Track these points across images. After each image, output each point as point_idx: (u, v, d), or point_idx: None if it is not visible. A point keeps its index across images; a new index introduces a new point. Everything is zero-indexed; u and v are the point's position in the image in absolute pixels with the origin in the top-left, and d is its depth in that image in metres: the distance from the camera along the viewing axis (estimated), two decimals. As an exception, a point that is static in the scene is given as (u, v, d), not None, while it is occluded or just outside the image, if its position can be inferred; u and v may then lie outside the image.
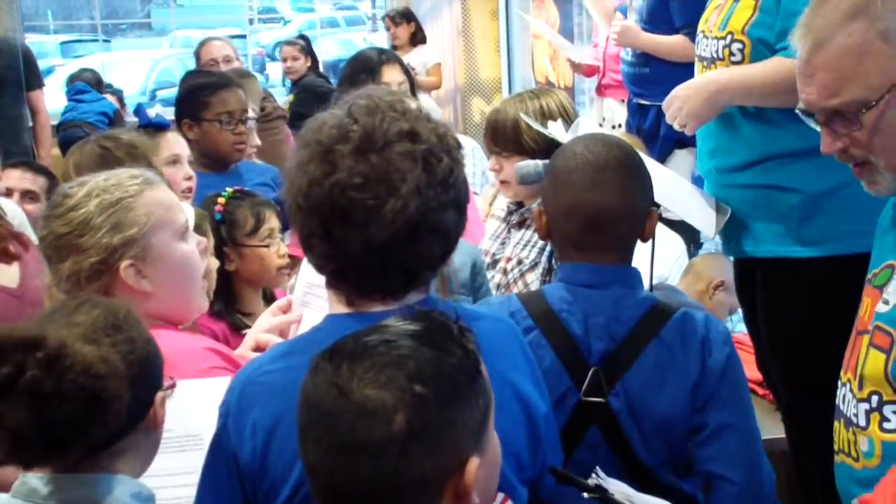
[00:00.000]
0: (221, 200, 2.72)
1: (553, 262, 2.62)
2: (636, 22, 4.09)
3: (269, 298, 2.79)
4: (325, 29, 19.15)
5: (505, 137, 2.71)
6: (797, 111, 1.67)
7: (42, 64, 8.11)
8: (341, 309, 1.53)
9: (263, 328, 1.99)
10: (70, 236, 1.83)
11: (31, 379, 1.31)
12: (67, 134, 6.53)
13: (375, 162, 1.43)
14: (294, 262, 2.71)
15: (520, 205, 2.88)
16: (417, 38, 7.53)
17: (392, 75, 3.48)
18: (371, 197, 1.42)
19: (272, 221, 2.74)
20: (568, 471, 1.56)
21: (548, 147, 2.42)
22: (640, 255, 2.18)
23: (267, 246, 2.72)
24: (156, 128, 3.06)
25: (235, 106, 3.51)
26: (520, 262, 2.76)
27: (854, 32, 1.54)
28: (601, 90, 4.70)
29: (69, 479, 1.40)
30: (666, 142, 3.96)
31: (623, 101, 4.46)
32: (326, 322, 1.54)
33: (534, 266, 2.68)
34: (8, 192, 3.53)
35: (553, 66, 6.47)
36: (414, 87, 3.69)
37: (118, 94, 7.99)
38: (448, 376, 1.21)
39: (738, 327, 3.86)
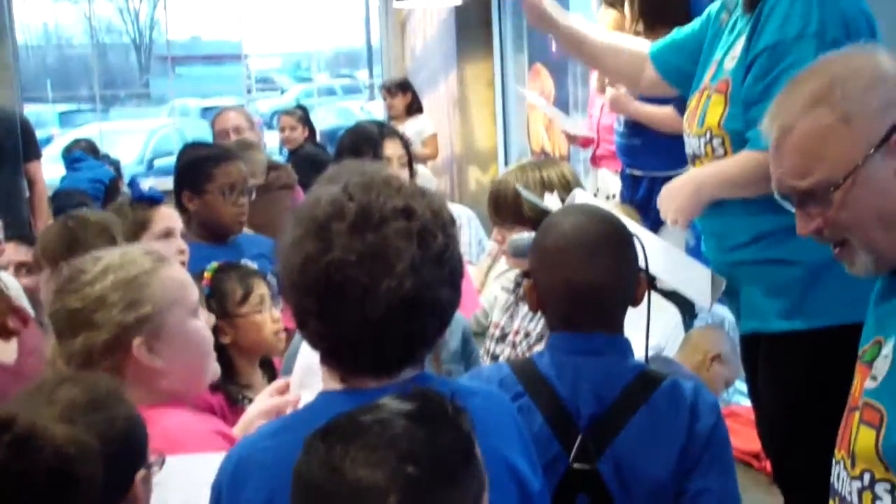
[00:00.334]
0: (208, 275, 2.72)
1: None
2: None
3: (267, 366, 2.79)
4: (322, 97, 19.31)
5: (506, 208, 2.73)
6: (775, 196, 1.71)
7: (40, 133, 8.18)
8: (335, 386, 1.52)
9: (261, 411, 1.99)
10: (84, 312, 1.82)
11: None
12: (62, 203, 6.56)
13: (371, 240, 1.44)
14: (288, 333, 2.72)
15: (527, 275, 2.88)
16: (414, 108, 7.60)
17: (392, 149, 3.52)
18: (366, 275, 1.43)
19: (261, 288, 2.74)
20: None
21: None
22: (636, 326, 2.18)
23: (259, 312, 2.72)
24: (150, 201, 3.08)
25: (237, 177, 3.52)
26: (527, 335, 2.76)
27: (817, 117, 1.60)
28: (596, 161, 4.73)
29: None
30: (659, 213, 3.97)
31: (617, 171, 4.49)
32: (320, 399, 1.54)
33: (540, 339, 2.68)
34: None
35: (549, 135, 6.52)
36: (412, 160, 3.73)
37: (115, 164, 8.05)
38: (441, 457, 1.20)
39: (734, 398, 3.86)
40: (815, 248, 1.97)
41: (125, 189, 7.43)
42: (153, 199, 3.08)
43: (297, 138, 7.12)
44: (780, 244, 2.30)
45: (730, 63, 2.36)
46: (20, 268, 3.64)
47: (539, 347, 2.68)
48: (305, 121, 7.27)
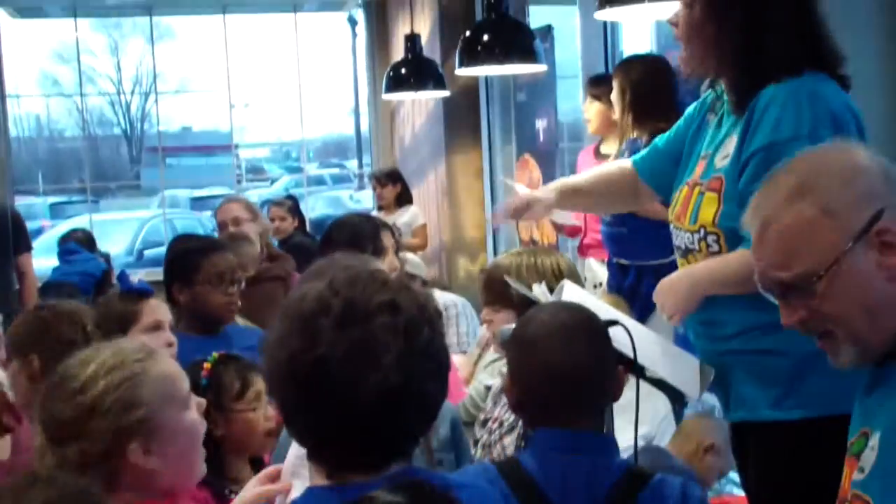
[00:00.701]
0: (207, 365, 2.72)
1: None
2: None
3: (256, 462, 2.77)
4: (311, 186, 19.43)
5: (496, 291, 2.76)
6: (759, 289, 1.72)
7: (30, 225, 8.20)
8: (322, 481, 1.51)
9: (251, 497, 1.97)
10: (76, 421, 1.79)
11: None
12: (50, 296, 6.55)
13: (357, 335, 1.44)
14: (279, 427, 2.70)
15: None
16: (404, 198, 7.64)
17: (387, 240, 3.55)
18: (353, 370, 1.43)
19: (258, 384, 2.74)
20: None
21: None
22: (625, 415, 2.19)
23: (254, 409, 2.71)
24: (138, 294, 3.08)
25: (225, 267, 3.54)
26: (501, 424, 2.76)
27: (798, 211, 1.63)
28: (583, 250, 4.76)
29: None
30: (646, 301, 3.99)
31: (604, 260, 4.52)
32: (306, 495, 1.52)
33: (511, 429, 2.69)
34: None
35: (537, 224, 6.56)
36: (399, 248, 3.76)
37: (105, 257, 8.06)
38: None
39: (726, 488, 3.83)
40: (804, 339, 1.99)
41: (116, 281, 7.46)
42: (141, 292, 3.09)
43: (287, 228, 7.15)
44: (769, 336, 2.31)
45: (721, 161, 2.39)
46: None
47: (508, 438, 2.69)
48: (295, 211, 7.32)
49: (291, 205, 7.38)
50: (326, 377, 1.43)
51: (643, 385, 2.15)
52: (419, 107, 8.84)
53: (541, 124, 6.60)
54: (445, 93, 6.85)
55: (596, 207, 3.07)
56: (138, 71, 24.17)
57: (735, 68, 2.35)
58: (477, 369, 4.21)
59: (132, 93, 26.32)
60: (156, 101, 14.34)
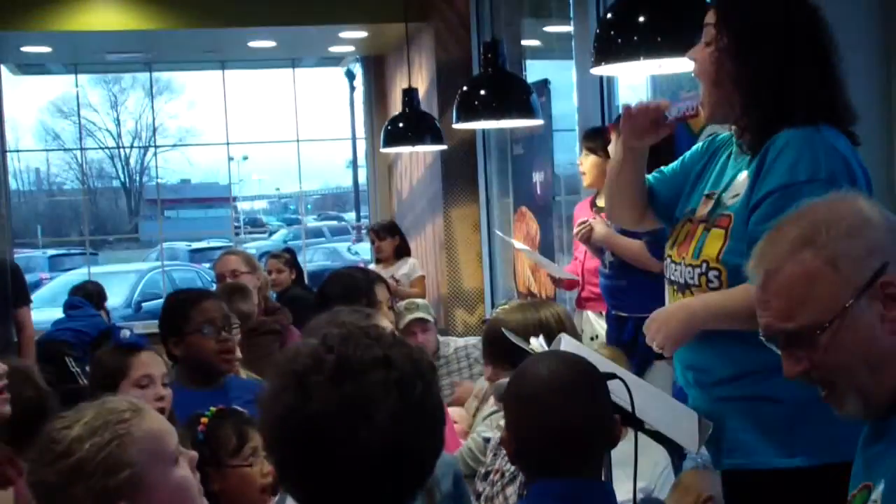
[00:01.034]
0: (204, 420, 2.72)
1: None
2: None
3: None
4: (310, 239, 19.49)
5: (498, 348, 2.77)
6: (760, 338, 1.73)
7: (29, 277, 8.22)
8: None
9: None
10: (61, 486, 1.76)
11: None
12: (44, 350, 6.58)
13: (349, 391, 1.44)
14: (276, 482, 2.70)
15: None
16: (402, 251, 7.66)
17: (381, 293, 3.57)
18: (346, 426, 1.43)
19: (255, 440, 2.73)
20: None
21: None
22: (624, 469, 2.19)
23: (250, 465, 2.70)
24: (128, 348, 3.09)
25: (216, 314, 3.52)
26: (503, 475, 2.76)
27: (803, 261, 1.63)
28: (581, 303, 4.78)
29: None
30: (644, 353, 4.00)
31: (602, 313, 4.54)
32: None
33: (513, 479, 2.69)
34: None
35: (535, 277, 6.59)
36: (394, 301, 3.78)
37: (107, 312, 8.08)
38: None
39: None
40: (800, 385, 2.00)
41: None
42: (130, 347, 3.09)
43: (284, 281, 7.17)
44: (764, 382, 2.31)
45: (731, 200, 2.39)
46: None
47: (511, 489, 2.69)
48: (292, 263, 7.34)
49: (289, 257, 7.40)
50: (320, 433, 1.43)
51: (642, 437, 2.16)
52: (417, 160, 8.90)
53: (538, 177, 6.65)
54: (443, 146, 6.91)
55: (625, 193, 2.83)
56: (137, 124, 24.36)
57: (757, 108, 2.34)
58: (475, 421, 4.21)
59: (131, 146, 26.48)
60: (155, 154, 14.44)
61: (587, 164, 4.69)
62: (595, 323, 4.63)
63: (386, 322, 2.88)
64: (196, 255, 18.31)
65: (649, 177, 2.72)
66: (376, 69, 10.42)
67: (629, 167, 2.64)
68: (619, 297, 4.19)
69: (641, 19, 2.88)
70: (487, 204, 7.87)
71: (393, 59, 9.75)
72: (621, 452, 2.12)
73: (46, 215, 26.27)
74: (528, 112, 5.04)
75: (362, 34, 9.03)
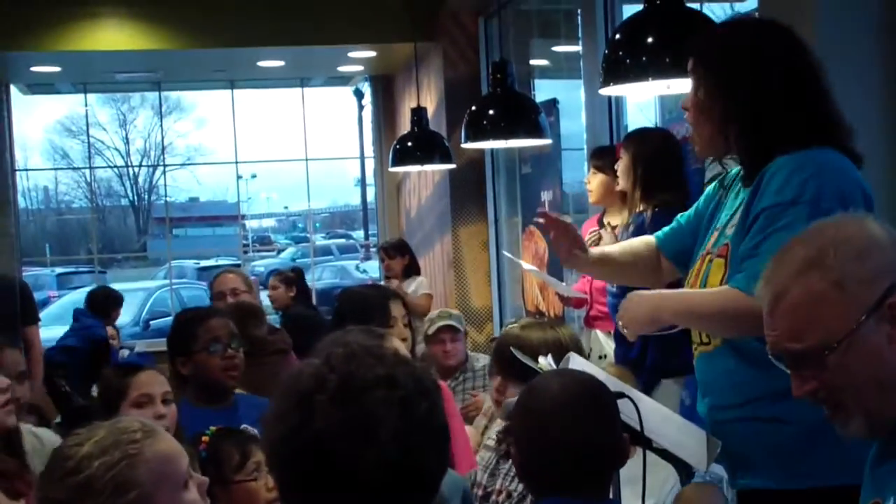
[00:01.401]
0: (205, 438, 2.73)
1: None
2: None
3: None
4: (318, 257, 19.50)
5: (508, 364, 2.79)
6: (770, 357, 1.73)
7: (37, 295, 8.23)
8: None
9: None
10: (69, 502, 1.76)
11: None
12: (48, 360, 6.59)
13: (352, 410, 1.44)
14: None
15: (509, 433, 2.89)
16: (412, 269, 7.66)
17: (397, 310, 3.58)
18: (349, 445, 1.42)
19: (258, 455, 2.74)
20: None
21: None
22: (632, 487, 2.20)
23: (255, 479, 2.71)
24: (127, 369, 3.11)
25: (222, 332, 3.52)
26: (509, 496, 2.76)
27: (811, 283, 1.63)
28: (589, 322, 4.78)
29: None
30: (652, 372, 4.00)
31: (610, 332, 4.54)
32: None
33: (522, 499, 2.68)
34: None
35: (543, 295, 6.59)
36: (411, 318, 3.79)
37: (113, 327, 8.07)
38: None
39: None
40: (810, 409, 2.01)
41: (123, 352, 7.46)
42: (130, 367, 3.11)
43: (281, 298, 7.18)
44: (776, 404, 2.31)
45: (730, 230, 2.43)
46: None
47: (520, 508, 2.68)
48: (292, 282, 7.33)
49: (292, 276, 7.41)
50: (324, 453, 1.43)
51: (650, 456, 2.16)
52: (425, 179, 8.92)
53: (546, 196, 6.66)
54: (451, 165, 6.92)
55: (619, 277, 3.08)
56: (146, 143, 24.47)
57: (743, 145, 2.39)
58: (484, 439, 4.21)
59: (140, 164, 26.58)
60: (163, 172, 14.47)
61: (595, 182, 4.70)
62: (604, 342, 4.63)
63: (398, 342, 2.89)
64: (204, 273, 18.32)
65: (659, 234, 2.80)
66: (385, 88, 10.45)
67: (598, 270, 2.86)
68: (627, 316, 4.18)
69: (650, 40, 2.91)
70: (496, 223, 7.88)
71: (402, 78, 9.78)
72: (629, 471, 2.12)
73: (55, 233, 26.36)
74: (537, 131, 5.05)
75: (371, 54, 9.06)
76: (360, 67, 10.10)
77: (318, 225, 26.82)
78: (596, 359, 4.50)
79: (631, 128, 5.27)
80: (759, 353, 2.35)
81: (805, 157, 2.29)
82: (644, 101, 5.47)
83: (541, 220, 2.76)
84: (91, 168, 16.03)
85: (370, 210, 20.14)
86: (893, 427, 1.66)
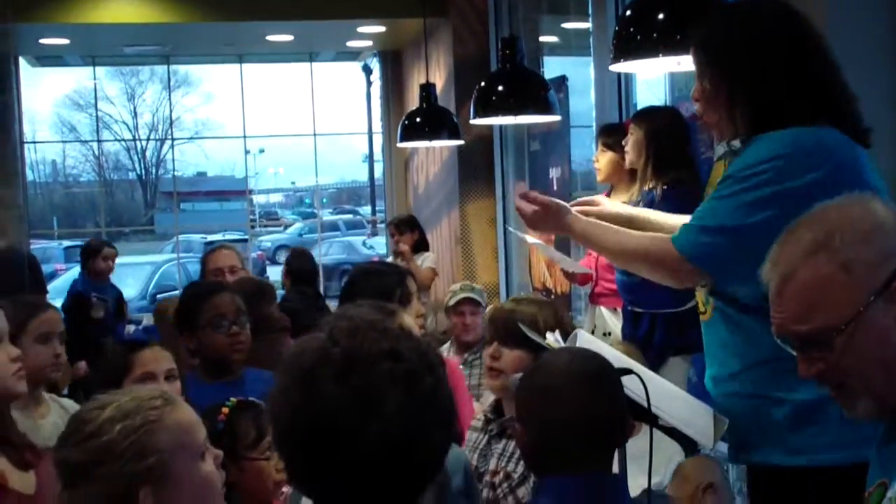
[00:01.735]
0: (225, 410, 2.73)
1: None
2: None
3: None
4: (325, 232, 19.51)
5: (508, 329, 2.81)
6: (776, 339, 1.74)
7: (45, 268, 8.24)
8: None
9: None
10: (88, 465, 1.78)
11: None
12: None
13: (356, 384, 1.42)
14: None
15: (498, 413, 2.90)
16: (421, 245, 7.65)
17: (412, 286, 3.57)
18: (354, 420, 1.41)
19: None
20: None
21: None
22: (637, 463, 2.20)
23: (267, 459, 2.71)
24: (131, 346, 3.11)
25: (228, 308, 3.52)
26: (508, 477, 2.75)
27: (817, 265, 1.63)
28: (594, 298, 4.77)
29: None
30: (660, 349, 4.01)
31: (615, 309, 4.53)
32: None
33: (523, 481, 2.68)
34: None
35: (550, 272, 6.59)
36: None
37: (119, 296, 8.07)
38: None
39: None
40: (802, 386, 2.02)
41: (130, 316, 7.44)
42: (133, 344, 3.11)
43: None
44: (767, 379, 2.32)
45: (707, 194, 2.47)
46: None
47: (522, 490, 2.68)
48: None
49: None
50: (328, 428, 1.42)
51: (655, 433, 2.17)
52: (433, 155, 8.91)
53: (554, 173, 6.65)
54: (460, 141, 6.91)
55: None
56: (154, 117, 24.44)
57: (751, 129, 2.38)
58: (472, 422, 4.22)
59: (148, 139, 26.58)
60: (171, 146, 14.48)
61: (603, 160, 4.69)
62: (608, 319, 4.63)
63: (410, 319, 2.87)
64: (211, 248, 18.36)
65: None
66: (394, 64, 10.44)
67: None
68: (635, 293, 4.18)
69: (660, 16, 2.89)
70: (504, 199, 7.88)
71: (410, 54, 9.76)
72: (635, 447, 2.13)
73: (63, 207, 26.38)
74: (546, 108, 5.04)
75: (380, 29, 9.04)
76: (368, 42, 10.08)
77: (325, 200, 26.82)
78: (600, 335, 4.50)
79: (640, 106, 5.26)
80: (745, 322, 2.37)
81: (786, 135, 2.29)
82: (653, 78, 5.45)
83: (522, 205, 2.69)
84: (99, 141, 16.04)
85: (378, 186, 20.14)
86: None
